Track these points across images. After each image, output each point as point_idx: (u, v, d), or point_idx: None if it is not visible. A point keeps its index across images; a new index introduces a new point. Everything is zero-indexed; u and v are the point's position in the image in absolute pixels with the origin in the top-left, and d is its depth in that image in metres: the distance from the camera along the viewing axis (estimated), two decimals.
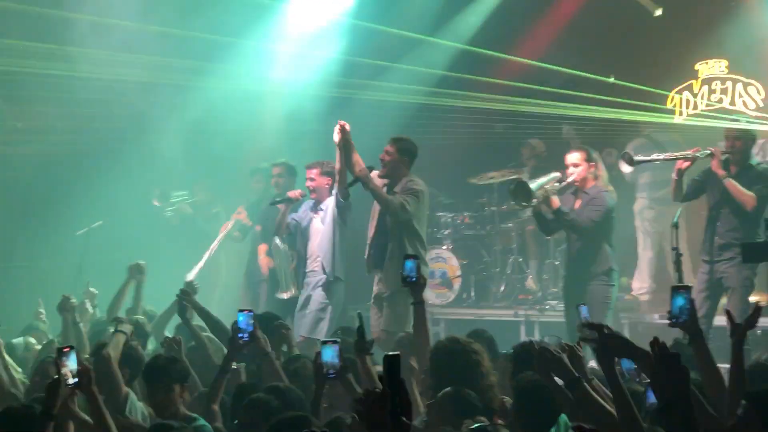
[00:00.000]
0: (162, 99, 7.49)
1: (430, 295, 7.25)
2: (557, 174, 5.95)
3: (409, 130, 6.68)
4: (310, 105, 7.75)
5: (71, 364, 3.21)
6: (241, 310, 4.10)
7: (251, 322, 3.96)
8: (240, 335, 3.91)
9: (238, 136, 7.83)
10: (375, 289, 5.92)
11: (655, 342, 2.54)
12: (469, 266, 7.55)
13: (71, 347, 3.33)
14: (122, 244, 7.49)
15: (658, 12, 7.32)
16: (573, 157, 5.92)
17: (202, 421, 3.56)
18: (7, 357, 4.63)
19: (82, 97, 7.08)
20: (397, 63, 7.49)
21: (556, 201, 5.76)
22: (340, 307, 6.26)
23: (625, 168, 6.97)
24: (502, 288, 7.42)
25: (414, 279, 4.33)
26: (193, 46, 6.89)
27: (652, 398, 3.03)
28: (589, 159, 5.89)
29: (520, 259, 7.48)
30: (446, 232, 7.49)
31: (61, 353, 3.22)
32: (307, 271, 6.39)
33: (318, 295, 6.20)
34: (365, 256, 5.96)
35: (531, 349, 3.48)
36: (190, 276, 6.49)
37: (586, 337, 3.36)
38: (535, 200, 5.79)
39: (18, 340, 5.33)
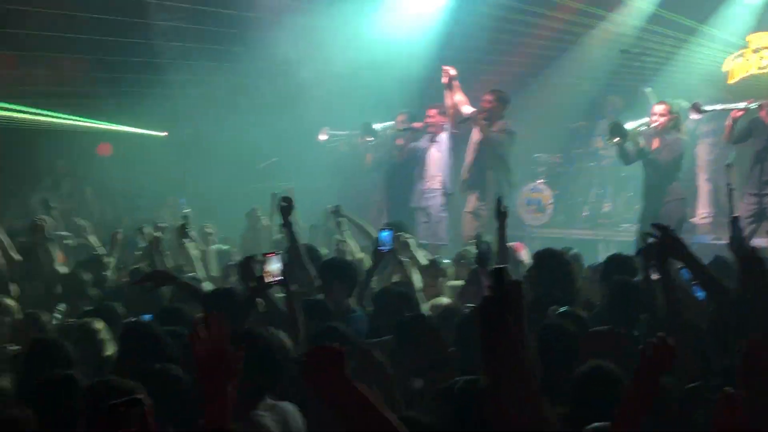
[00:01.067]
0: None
1: (527, 218, 9.27)
2: (646, 119, 7.25)
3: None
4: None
5: (275, 265, 3.96)
6: (384, 228, 5.04)
7: (391, 238, 4.78)
8: (381, 248, 4.73)
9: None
10: (472, 205, 7.55)
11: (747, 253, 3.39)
12: (559, 196, 9.37)
13: (276, 252, 4.11)
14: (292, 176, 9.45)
15: None
16: (659, 108, 7.10)
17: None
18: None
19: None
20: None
21: (641, 141, 7.06)
22: (452, 214, 7.85)
23: (694, 115, 8.36)
24: (585, 213, 9.31)
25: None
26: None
27: (700, 293, 3.74)
28: (671, 111, 7.08)
29: (600, 191, 9.31)
30: (541, 169, 9.41)
31: (266, 256, 3.99)
32: (424, 188, 7.94)
33: (437, 207, 7.75)
34: (462, 179, 7.62)
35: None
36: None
37: (648, 233, 3.81)
38: (622, 138, 7.07)
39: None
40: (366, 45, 9.08)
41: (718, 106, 7.64)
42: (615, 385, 2.56)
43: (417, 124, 8.22)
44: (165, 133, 10.79)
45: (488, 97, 7.51)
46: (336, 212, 6.40)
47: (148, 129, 10.57)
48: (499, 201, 5.04)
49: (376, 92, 8.95)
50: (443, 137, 7.95)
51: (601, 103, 9.33)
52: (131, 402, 1.91)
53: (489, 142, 7.47)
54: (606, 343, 3.37)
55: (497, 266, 2.67)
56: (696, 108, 7.50)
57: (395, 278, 5.00)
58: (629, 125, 7.39)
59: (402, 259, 4.94)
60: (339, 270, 4.58)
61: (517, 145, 7.70)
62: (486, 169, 7.54)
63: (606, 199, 9.29)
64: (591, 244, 8.72)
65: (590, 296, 4.48)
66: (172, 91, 9.78)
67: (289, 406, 2.99)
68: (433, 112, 8.01)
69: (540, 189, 9.25)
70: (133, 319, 3.83)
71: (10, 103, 9.21)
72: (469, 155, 7.70)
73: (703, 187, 8.78)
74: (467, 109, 7.64)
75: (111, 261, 6.05)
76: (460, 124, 7.69)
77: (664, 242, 3.52)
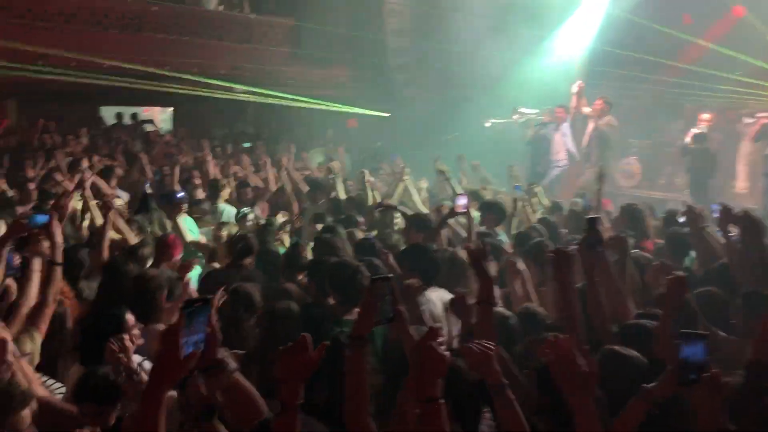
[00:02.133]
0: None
1: (621, 181, 13.66)
2: None
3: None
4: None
5: (461, 201, 5.73)
6: (461, 194, 6.31)
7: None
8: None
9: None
10: (582, 180, 10.96)
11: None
12: (645, 169, 13.64)
13: (463, 193, 6.11)
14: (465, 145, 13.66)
15: None
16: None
17: None
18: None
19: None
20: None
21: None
22: (567, 179, 11.69)
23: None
24: (662, 181, 13.64)
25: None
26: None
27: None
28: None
29: (674, 167, 13.64)
30: (634, 149, 13.75)
31: (457, 195, 5.99)
32: (552, 158, 11.40)
33: (554, 175, 11.36)
34: (583, 154, 11.25)
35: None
36: None
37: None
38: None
39: None
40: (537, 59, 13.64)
41: None
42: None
43: (546, 117, 11.97)
44: (388, 114, 15.06)
45: (599, 101, 10.91)
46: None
47: (378, 111, 14.85)
48: (601, 168, 7.40)
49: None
50: (565, 126, 11.95)
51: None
52: (386, 278, 2.46)
53: (598, 131, 10.86)
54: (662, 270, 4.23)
55: (592, 216, 3.71)
56: None
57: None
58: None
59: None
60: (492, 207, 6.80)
61: (617, 132, 11.17)
62: (595, 149, 10.85)
63: (678, 173, 13.62)
64: (664, 202, 12.19)
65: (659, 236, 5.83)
66: (394, 88, 15.02)
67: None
68: (560, 110, 11.81)
69: (632, 162, 13.61)
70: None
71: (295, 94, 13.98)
72: (585, 139, 11.21)
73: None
74: (586, 110, 11.30)
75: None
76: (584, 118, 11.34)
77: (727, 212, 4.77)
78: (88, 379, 2.88)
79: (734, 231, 4.82)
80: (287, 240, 6.23)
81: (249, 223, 6.83)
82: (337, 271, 4.00)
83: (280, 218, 7.05)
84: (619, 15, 12.62)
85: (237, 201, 8.15)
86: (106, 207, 5.49)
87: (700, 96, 12.63)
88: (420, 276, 4.25)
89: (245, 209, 7.19)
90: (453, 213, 5.85)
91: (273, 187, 8.90)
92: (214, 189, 8.01)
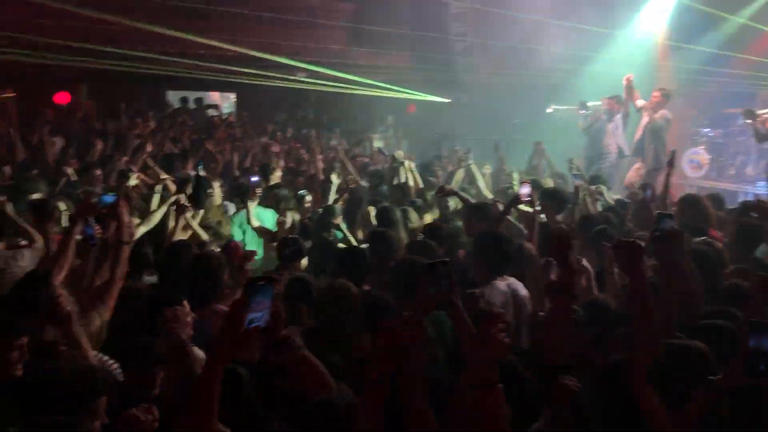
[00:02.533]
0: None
1: (689, 172, 13.34)
2: None
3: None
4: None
5: (524, 190, 5.55)
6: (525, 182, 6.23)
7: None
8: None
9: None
10: (636, 165, 10.36)
11: None
12: (713, 159, 13.22)
13: (528, 180, 5.93)
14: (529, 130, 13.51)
15: None
16: None
17: None
18: None
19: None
20: None
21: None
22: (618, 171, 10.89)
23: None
24: (731, 172, 13.21)
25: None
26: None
27: None
28: None
29: (744, 157, 13.13)
30: (702, 140, 13.44)
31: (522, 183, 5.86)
32: (603, 150, 10.93)
33: (608, 165, 10.81)
34: (635, 147, 10.49)
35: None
36: None
37: None
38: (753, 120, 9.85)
39: None
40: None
41: None
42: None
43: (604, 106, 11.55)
44: (449, 100, 15.38)
45: (656, 93, 10.37)
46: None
47: (439, 97, 15.06)
48: (672, 153, 6.93)
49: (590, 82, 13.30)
50: (618, 118, 11.31)
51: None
52: (443, 262, 2.46)
53: (653, 124, 10.28)
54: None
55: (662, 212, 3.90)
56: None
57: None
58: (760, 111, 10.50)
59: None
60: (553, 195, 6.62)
61: (671, 126, 10.67)
62: (647, 142, 10.31)
63: (749, 163, 13.16)
64: (733, 194, 11.95)
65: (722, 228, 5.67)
66: (456, 74, 15.00)
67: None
68: (611, 101, 11.21)
69: (700, 152, 13.21)
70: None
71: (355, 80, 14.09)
72: (638, 132, 10.59)
73: None
74: (640, 102, 10.69)
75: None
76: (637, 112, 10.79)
77: None
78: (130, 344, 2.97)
79: None
80: (343, 226, 6.23)
81: (307, 206, 6.91)
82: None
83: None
84: (690, 4, 12.22)
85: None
86: (179, 210, 5.53)
87: None
88: (489, 264, 4.24)
89: (303, 191, 7.26)
90: (517, 201, 5.76)
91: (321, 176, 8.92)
92: (265, 172, 8.10)
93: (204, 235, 5.63)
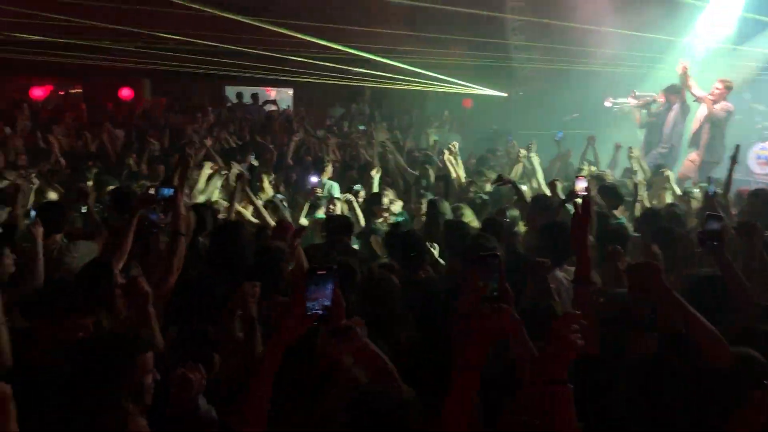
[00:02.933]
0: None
1: (755, 168, 12.82)
2: None
3: None
4: None
5: (580, 185, 5.50)
6: None
7: None
8: None
9: None
10: (692, 157, 10.07)
11: None
12: None
13: (584, 176, 6.11)
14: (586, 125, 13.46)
15: None
16: None
17: None
18: None
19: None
20: None
21: None
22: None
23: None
24: None
25: None
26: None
27: None
28: None
29: None
30: None
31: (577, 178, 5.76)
32: (662, 143, 10.89)
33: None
34: (691, 138, 10.30)
35: None
36: None
37: None
38: None
39: None
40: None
41: None
42: None
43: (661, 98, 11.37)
44: (505, 94, 15.34)
45: (719, 84, 10.05)
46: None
47: (496, 90, 15.09)
48: (737, 148, 6.98)
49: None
50: (676, 107, 10.98)
51: None
52: (494, 255, 2.40)
53: (713, 116, 10.02)
54: None
55: (711, 213, 3.73)
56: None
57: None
58: None
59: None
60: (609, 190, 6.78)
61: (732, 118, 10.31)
62: (706, 134, 10.14)
63: None
64: None
65: None
66: (513, 70, 14.85)
67: None
68: (667, 93, 11.06)
69: (767, 148, 12.82)
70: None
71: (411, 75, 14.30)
72: (695, 123, 10.39)
73: None
74: (698, 92, 10.36)
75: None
76: (695, 101, 10.47)
77: None
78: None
79: None
80: (391, 218, 6.26)
81: (360, 200, 6.96)
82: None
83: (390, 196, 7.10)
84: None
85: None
86: (240, 177, 5.67)
87: None
88: (551, 255, 4.24)
89: (357, 186, 7.32)
90: (573, 195, 5.69)
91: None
92: (319, 166, 8.21)
93: (267, 217, 5.79)
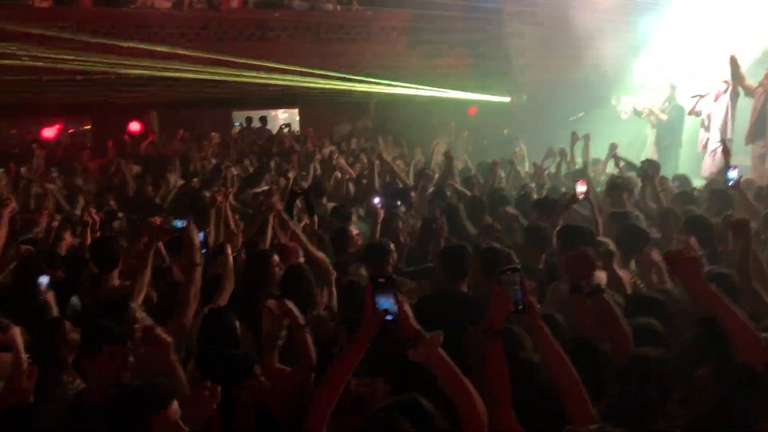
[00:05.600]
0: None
1: None
2: None
3: None
4: None
5: (580, 188, 5.63)
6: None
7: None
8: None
9: None
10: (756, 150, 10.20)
11: None
12: None
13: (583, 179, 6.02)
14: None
15: None
16: None
17: None
18: None
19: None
20: None
21: None
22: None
23: None
24: None
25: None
26: None
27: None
28: None
29: None
30: None
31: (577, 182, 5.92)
32: (710, 134, 10.93)
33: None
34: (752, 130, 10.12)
35: None
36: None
37: None
38: None
39: None
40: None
41: None
42: None
43: (704, 92, 11.35)
44: (507, 99, 15.25)
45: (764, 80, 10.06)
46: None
47: (498, 96, 15.02)
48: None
49: None
50: (725, 98, 10.95)
51: None
52: (514, 269, 2.50)
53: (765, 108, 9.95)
54: None
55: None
56: None
57: None
58: None
59: None
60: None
61: None
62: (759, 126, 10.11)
63: None
64: None
65: None
66: (514, 75, 14.93)
67: None
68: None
69: None
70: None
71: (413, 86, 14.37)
72: (752, 116, 10.34)
73: None
74: (751, 83, 10.21)
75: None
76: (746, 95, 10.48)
77: None
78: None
79: None
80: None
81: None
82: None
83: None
84: None
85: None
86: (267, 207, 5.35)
87: None
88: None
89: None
90: (574, 200, 5.75)
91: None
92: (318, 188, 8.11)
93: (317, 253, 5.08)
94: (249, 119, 16.07)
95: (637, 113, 12.78)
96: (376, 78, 13.82)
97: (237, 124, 16.41)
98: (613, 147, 9.61)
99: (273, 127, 16.33)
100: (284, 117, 17.53)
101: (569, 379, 2.41)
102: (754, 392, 2.56)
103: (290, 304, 3.25)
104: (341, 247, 5.49)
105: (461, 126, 15.39)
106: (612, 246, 4.53)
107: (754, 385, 2.57)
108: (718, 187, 6.88)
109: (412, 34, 16.22)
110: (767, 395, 2.55)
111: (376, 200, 6.34)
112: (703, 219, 5.18)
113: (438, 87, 14.38)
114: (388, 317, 2.36)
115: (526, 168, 10.09)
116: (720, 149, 8.58)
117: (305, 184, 6.61)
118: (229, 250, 4.30)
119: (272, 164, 10.00)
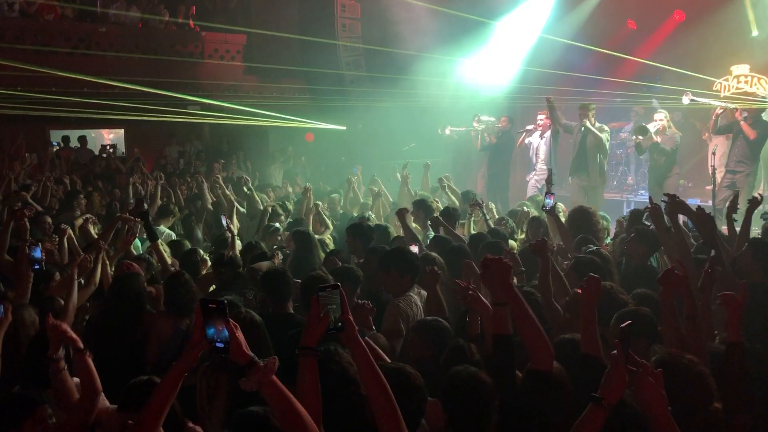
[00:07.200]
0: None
1: None
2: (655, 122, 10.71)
3: None
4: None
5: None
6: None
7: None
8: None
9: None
10: (577, 182, 10.51)
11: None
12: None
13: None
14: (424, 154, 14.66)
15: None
16: (659, 115, 10.73)
17: None
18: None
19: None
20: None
21: (653, 137, 10.50)
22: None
23: (685, 100, 10.93)
24: (614, 182, 13.90)
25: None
26: None
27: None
28: (666, 116, 10.71)
29: (625, 168, 13.87)
30: None
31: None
32: (536, 164, 11.97)
33: (542, 181, 10.96)
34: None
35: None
36: None
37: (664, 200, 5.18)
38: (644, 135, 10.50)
39: None
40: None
41: (704, 100, 11.10)
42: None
43: (530, 127, 12.48)
44: (344, 127, 15.30)
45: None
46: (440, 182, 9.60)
47: (334, 124, 15.05)
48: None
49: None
50: (547, 134, 12.04)
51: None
52: (334, 286, 2.49)
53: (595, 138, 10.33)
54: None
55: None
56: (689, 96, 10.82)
57: None
58: (649, 125, 10.76)
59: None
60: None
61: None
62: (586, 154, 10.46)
63: (629, 173, 13.94)
64: (617, 203, 12.79)
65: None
66: (350, 102, 15.15)
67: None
68: (542, 117, 12.09)
69: None
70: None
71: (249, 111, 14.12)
72: (573, 151, 10.63)
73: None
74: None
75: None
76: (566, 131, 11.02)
77: (674, 203, 5.05)
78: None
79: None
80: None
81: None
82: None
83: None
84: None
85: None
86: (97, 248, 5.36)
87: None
88: None
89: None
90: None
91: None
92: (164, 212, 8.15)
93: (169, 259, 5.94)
94: (66, 138, 14.91)
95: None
96: (210, 100, 13.42)
97: (54, 143, 15.13)
98: (426, 167, 10.53)
99: (96, 147, 15.26)
100: (111, 138, 16.41)
101: (384, 398, 2.41)
102: (548, 393, 2.84)
103: (65, 326, 3.12)
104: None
105: (299, 152, 15.35)
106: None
107: (550, 387, 2.85)
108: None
109: (247, 57, 16.05)
110: (559, 396, 2.84)
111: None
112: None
113: (275, 112, 14.17)
114: (219, 344, 2.27)
115: (361, 193, 10.34)
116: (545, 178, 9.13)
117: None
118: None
119: (99, 184, 9.36)
